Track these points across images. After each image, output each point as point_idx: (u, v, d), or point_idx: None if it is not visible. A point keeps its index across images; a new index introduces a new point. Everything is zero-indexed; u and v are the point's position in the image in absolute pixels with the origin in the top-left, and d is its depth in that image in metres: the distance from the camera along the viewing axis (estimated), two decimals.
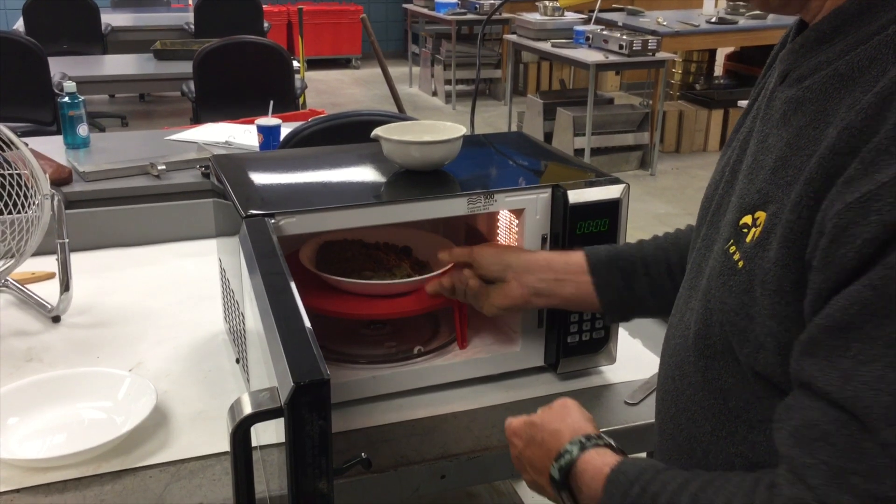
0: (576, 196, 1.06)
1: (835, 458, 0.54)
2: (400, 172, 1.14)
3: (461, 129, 1.14)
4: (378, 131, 1.14)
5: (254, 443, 0.69)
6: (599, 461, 0.74)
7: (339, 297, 1.12)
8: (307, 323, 0.71)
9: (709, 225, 0.77)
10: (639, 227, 4.39)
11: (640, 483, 0.68)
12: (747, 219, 0.68)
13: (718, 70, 6.76)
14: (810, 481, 0.55)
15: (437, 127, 1.18)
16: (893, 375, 0.52)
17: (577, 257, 1.02)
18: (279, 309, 0.73)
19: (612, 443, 0.78)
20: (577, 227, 1.08)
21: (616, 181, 1.10)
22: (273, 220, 0.95)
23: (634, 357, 1.22)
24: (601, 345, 1.15)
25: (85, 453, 0.95)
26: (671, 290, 0.90)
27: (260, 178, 1.13)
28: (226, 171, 1.13)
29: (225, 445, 0.93)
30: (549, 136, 5.54)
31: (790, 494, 0.57)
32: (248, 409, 0.64)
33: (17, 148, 1.24)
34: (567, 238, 1.08)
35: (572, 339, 1.13)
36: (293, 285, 0.78)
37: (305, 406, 0.62)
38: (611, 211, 1.08)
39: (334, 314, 1.11)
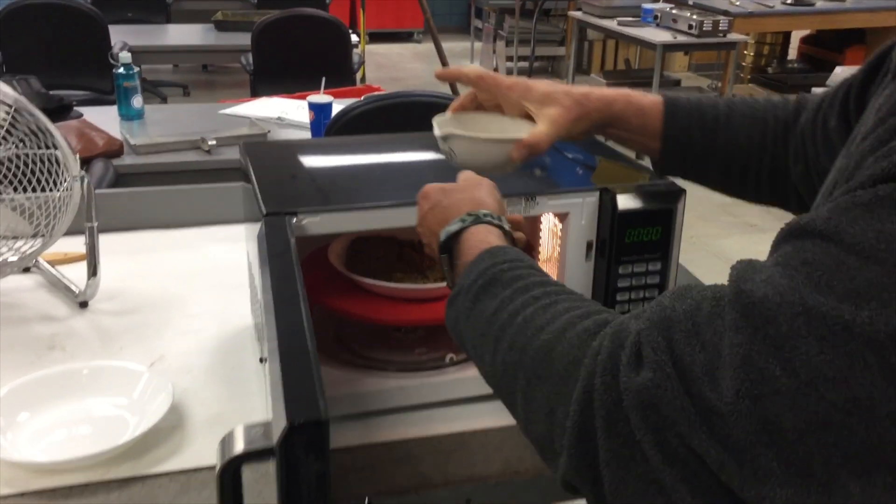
0: (625, 201, 0.97)
1: (684, 312, 0.51)
2: (439, 169, 1.06)
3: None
4: (442, 123, 0.94)
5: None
6: (485, 235, 0.74)
7: (368, 299, 1.06)
8: (313, 352, 0.64)
9: None
10: (701, 216, 4.23)
11: (512, 262, 0.69)
12: None
13: (793, 53, 6.48)
14: (646, 313, 0.53)
15: (504, 123, 0.96)
16: (786, 283, 0.47)
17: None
18: (283, 328, 0.66)
19: (508, 229, 0.77)
20: (626, 235, 0.99)
21: (672, 186, 1.00)
22: (295, 220, 0.89)
23: None
24: None
25: (94, 457, 0.91)
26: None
27: (288, 170, 1.06)
28: (254, 160, 1.06)
29: None
30: None
31: (620, 319, 0.56)
32: (239, 446, 0.58)
33: (47, 129, 1.19)
34: (615, 246, 0.99)
35: None
36: (304, 306, 0.71)
37: (301, 448, 0.56)
38: (664, 219, 0.99)
39: (361, 318, 1.04)
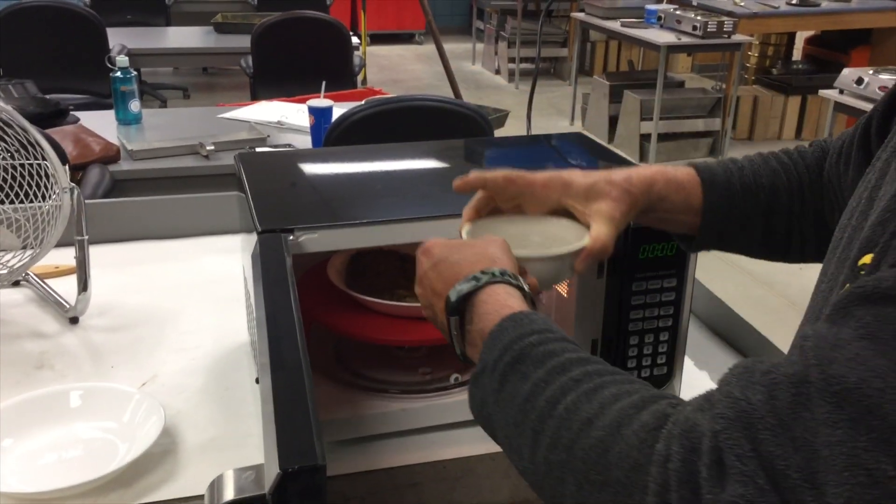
0: None
1: (761, 403, 0.44)
2: (443, 180, 1.01)
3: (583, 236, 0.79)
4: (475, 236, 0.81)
5: None
6: (506, 299, 0.65)
7: (369, 317, 1.01)
8: (308, 383, 0.60)
9: (837, 263, 0.62)
10: None
11: (541, 334, 0.60)
12: (867, 258, 0.53)
13: (797, 54, 6.43)
14: (718, 407, 0.46)
15: (543, 227, 0.83)
16: (884, 363, 0.41)
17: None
18: (277, 362, 0.61)
19: (528, 291, 0.67)
20: (640, 251, 0.94)
21: None
22: (291, 237, 0.84)
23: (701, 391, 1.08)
24: (664, 382, 1.02)
25: (81, 486, 0.86)
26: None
27: (285, 183, 1.02)
28: (249, 172, 1.02)
29: None
30: (614, 120, 5.33)
31: (684, 414, 0.48)
32: (229, 493, 0.53)
33: (37, 141, 1.15)
34: (628, 262, 0.95)
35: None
36: (299, 331, 0.66)
37: (295, 496, 0.51)
38: None
39: (362, 338, 1.00)
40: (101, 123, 2.71)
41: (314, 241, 0.86)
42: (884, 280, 0.44)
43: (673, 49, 4.99)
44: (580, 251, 0.77)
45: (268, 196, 0.96)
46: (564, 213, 0.84)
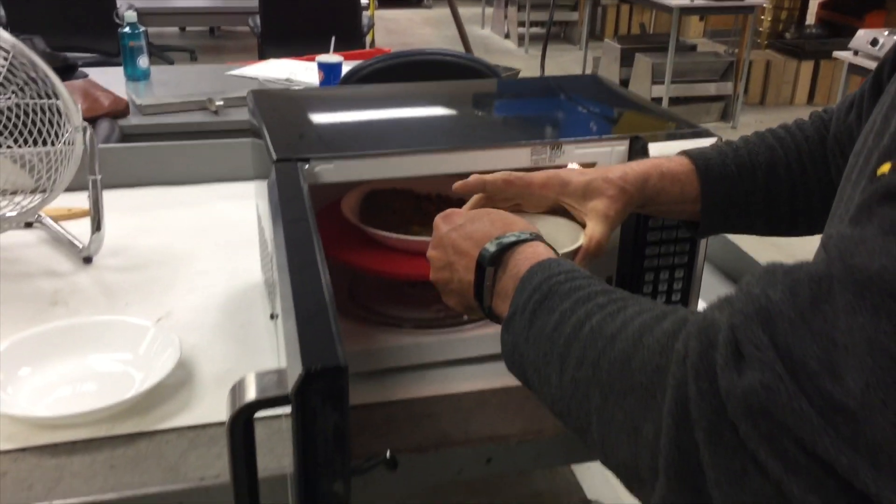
0: (658, 149, 0.92)
1: (781, 300, 0.44)
2: (458, 117, 1.01)
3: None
4: None
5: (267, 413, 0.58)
6: (535, 248, 0.69)
7: (384, 253, 1.01)
8: (329, 297, 0.59)
9: (853, 184, 0.61)
10: None
11: (568, 273, 0.63)
12: (885, 167, 0.52)
13: (811, 18, 6.35)
14: (736, 304, 0.45)
15: (541, 225, 0.82)
16: None
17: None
18: (298, 277, 0.61)
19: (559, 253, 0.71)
20: None
21: (706, 133, 0.95)
22: (307, 166, 0.84)
23: None
24: None
25: (98, 412, 0.87)
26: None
27: (300, 117, 1.01)
28: (263, 108, 1.01)
29: None
30: (625, 83, 5.29)
31: (702, 314, 0.48)
32: (251, 394, 0.54)
33: (48, 77, 1.14)
34: None
35: None
36: (318, 249, 0.66)
37: (317, 396, 0.51)
38: None
39: (377, 273, 1.00)
40: (109, 79, 2.70)
41: (329, 171, 0.86)
42: None
43: (686, 11, 4.93)
44: (577, 251, 0.80)
45: (282, 128, 0.95)
46: (562, 211, 0.86)
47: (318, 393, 0.51)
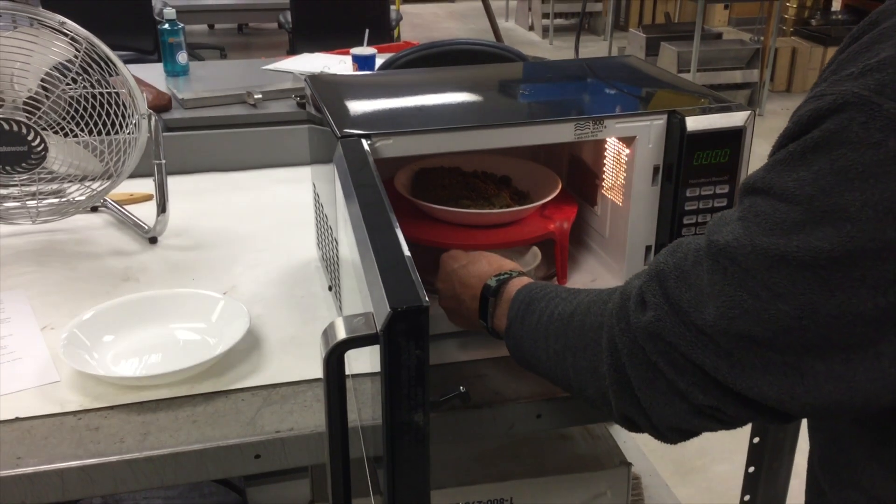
0: (694, 123, 0.98)
1: (672, 264, 0.66)
2: (502, 97, 1.07)
3: None
4: None
5: (346, 371, 0.66)
6: (525, 280, 0.90)
7: (435, 225, 1.07)
8: (406, 250, 0.66)
9: None
10: (767, 139, 4.18)
11: (544, 287, 0.85)
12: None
13: (836, 4, 6.32)
14: (645, 270, 0.70)
15: None
16: (742, 231, 0.61)
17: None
18: (377, 235, 0.68)
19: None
20: (694, 158, 1.00)
21: (740, 108, 1.00)
22: (369, 142, 0.91)
23: None
24: None
25: (179, 373, 0.94)
26: None
27: (355, 99, 1.08)
28: (321, 92, 1.08)
29: (316, 372, 0.91)
30: None
31: (627, 282, 0.72)
32: (342, 334, 0.60)
33: (116, 66, 1.22)
34: (683, 169, 1.00)
35: None
36: (390, 210, 0.73)
37: (402, 334, 0.58)
38: (733, 140, 0.99)
39: (430, 243, 1.06)
40: (149, 75, 2.78)
41: (390, 146, 0.92)
42: (754, 176, 0.63)
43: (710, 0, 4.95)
44: (538, 266, 1.08)
45: (341, 110, 1.02)
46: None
47: (403, 331, 0.58)
